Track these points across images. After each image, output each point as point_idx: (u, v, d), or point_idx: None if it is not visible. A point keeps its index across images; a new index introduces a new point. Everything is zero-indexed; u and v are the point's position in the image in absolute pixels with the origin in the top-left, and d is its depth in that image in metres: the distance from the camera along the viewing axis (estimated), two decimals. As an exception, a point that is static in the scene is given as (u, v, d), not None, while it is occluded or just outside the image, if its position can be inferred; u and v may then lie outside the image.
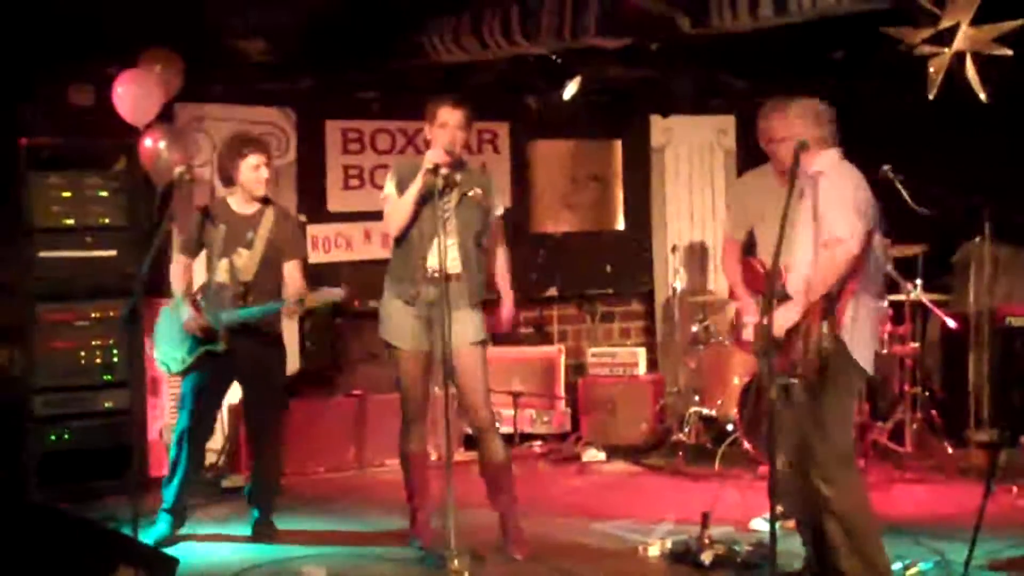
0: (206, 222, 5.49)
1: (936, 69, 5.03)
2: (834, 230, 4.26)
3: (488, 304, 5.26)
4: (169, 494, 5.54)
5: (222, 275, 5.41)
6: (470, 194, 5.11)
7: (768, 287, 4.18)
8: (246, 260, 5.45)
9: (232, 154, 5.51)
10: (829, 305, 4.30)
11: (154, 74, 6.53)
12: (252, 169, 5.47)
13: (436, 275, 4.90)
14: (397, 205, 5.07)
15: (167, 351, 5.54)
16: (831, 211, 4.28)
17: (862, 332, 4.41)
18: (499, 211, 5.27)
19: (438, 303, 4.88)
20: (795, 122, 4.49)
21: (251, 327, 5.41)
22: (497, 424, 5.30)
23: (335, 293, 5.42)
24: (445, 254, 4.88)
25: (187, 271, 5.55)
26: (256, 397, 5.61)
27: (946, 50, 4.99)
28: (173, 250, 5.67)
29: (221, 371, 5.49)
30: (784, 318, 4.30)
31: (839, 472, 4.38)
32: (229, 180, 5.55)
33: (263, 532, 5.62)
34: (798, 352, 4.29)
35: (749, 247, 4.90)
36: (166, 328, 5.58)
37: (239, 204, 5.53)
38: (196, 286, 5.58)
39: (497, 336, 6.09)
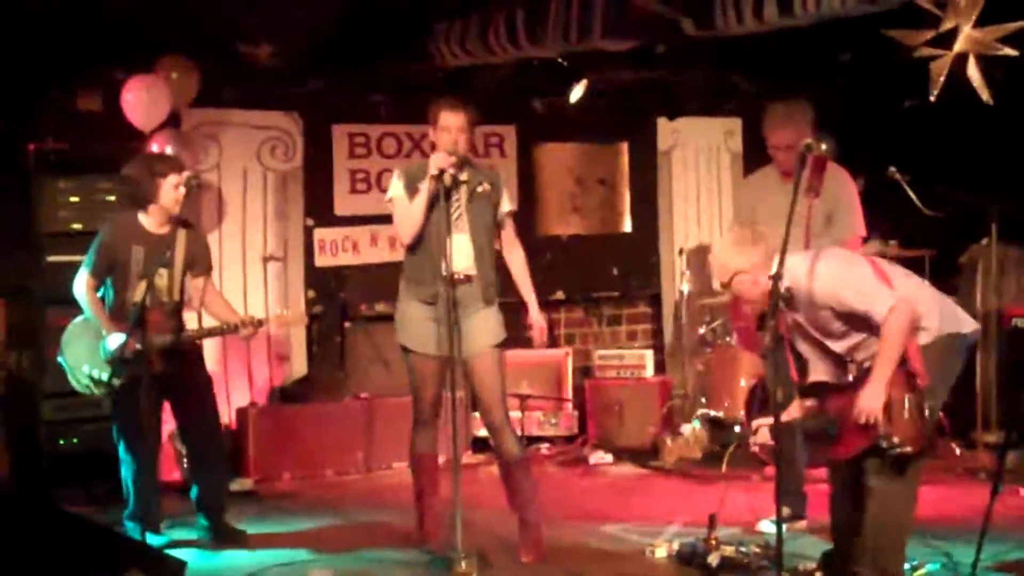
0: (127, 243, 5.36)
1: (937, 71, 5.03)
2: (879, 309, 4.17)
3: (503, 307, 5.25)
4: (130, 502, 5.46)
5: (140, 296, 5.24)
6: (479, 190, 5.12)
7: (774, 291, 4.16)
8: (168, 280, 5.38)
9: (150, 174, 5.37)
10: (902, 366, 4.19)
11: (165, 80, 6.55)
12: (172, 188, 5.35)
13: (451, 276, 4.93)
14: (408, 212, 5.08)
15: (91, 372, 5.36)
16: (861, 303, 4.20)
17: (940, 309, 4.37)
18: (508, 207, 5.27)
19: (457, 304, 4.93)
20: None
21: (180, 348, 5.37)
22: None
23: (297, 317, 5.67)
24: (451, 257, 4.90)
25: (94, 291, 5.39)
26: (198, 418, 5.54)
27: (948, 52, 4.99)
28: (83, 267, 5.41)
29: (151, 393, 5.31)
30: (874, 400, 4.15)
31: (884, 481, 4.31)
32: (142, 200, 5.39)
33: (228, 537, 5.57)
34: (888, 426, 4.15)
35: None
36: (84, 348, 5.38)
37: (153, 224, 5.40)
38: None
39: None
